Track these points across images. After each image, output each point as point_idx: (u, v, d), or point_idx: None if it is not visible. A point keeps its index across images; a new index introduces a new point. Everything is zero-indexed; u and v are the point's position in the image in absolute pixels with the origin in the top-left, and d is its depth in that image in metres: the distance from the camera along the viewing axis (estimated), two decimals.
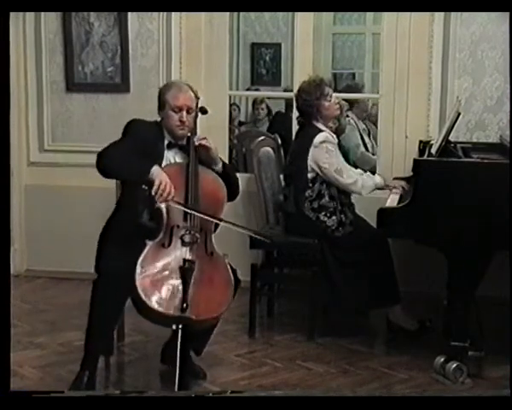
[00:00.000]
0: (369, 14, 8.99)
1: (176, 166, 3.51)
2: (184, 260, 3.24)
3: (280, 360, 3.89)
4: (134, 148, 3.43)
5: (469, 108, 4.79)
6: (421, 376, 3.68)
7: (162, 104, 3.58)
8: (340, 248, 4.17)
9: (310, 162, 4.19)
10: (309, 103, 4.24)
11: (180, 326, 3.13)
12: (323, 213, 4.20)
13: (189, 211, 3.33)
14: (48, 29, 5.22)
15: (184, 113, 3.52)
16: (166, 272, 3.24)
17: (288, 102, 7.16)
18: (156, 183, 3.26)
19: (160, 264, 3.25)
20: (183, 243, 3.31)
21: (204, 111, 3.67)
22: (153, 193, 3.25)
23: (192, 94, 3.58)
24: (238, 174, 5.70)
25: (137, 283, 3.17)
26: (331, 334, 4.20)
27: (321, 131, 4.22)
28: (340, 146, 5.55)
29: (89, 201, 5.02)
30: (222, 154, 4.59)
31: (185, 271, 3.20)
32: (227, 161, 5.23)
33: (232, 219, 5.15)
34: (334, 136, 4.34)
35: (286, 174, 4.53)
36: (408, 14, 4.79)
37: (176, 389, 3.15)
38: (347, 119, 6.27)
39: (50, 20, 5.21)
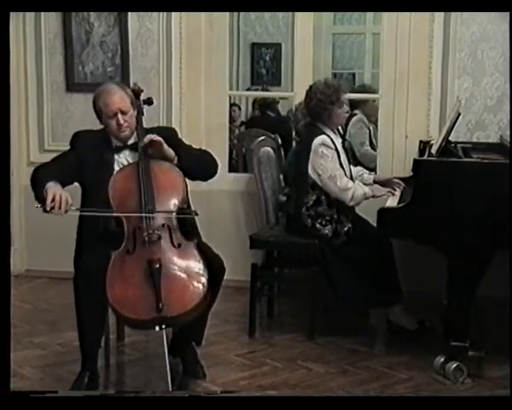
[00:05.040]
0: (369, 14, 9.00)
1: (126, 169, 3.49)
2: (149, 261, 3.20)
3: (280, 360, 3.89)
4: (75, 160, 3.49)
5: (469, 108, 4.79)
6: (421, 376, 3.68)
7: (99, 114, 3.56)
8: (340, 249, 4.16)
9: (309, 167, 4.15)
10: (323, 106, 4.16)
11: (163, 327, 3.12)
12: (319, 221, 4.16)
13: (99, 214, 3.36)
14: (48, 29, 5.22)
15: (119, 115, 3.48)
16: (136, 278, 3.20)
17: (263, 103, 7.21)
18: (49, 197, 3.22)
19: (128, 271, 3.22)
20: (147, 244, 3.26)
21: (150, 102, 3.69)
22: (47, 209, 3.22)
23: (123, 93, 3.53)
24: (238, 174, 5.74)
25: (109, 296, 3.16)
26: (331, 334, 4.19)
27: (322, 133, 4.17)
28: (344, 143, 5.55)
29: None
30: (222, 154, 4.60)
31: (153, 271, 3.17)
32: (227, 161, 5.27)
33: (232, 218, 5.20)
34: (336, 138, 4.24)
35: (288, 175, 4.52)
36: (408, 14, 4.79)
37: (170, 388, 3.15)
38: (357, 116, 6.25)
39: (50, 20, 5.21)
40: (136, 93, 3.62)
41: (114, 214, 3.38)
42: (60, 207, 3.22)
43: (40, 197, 3.28)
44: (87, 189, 3.53)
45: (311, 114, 4.25)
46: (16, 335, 3.87)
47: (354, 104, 5.92)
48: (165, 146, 3.48)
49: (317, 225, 4.16)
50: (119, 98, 3.50)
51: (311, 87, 4.28)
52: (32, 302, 4.78)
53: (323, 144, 4.13)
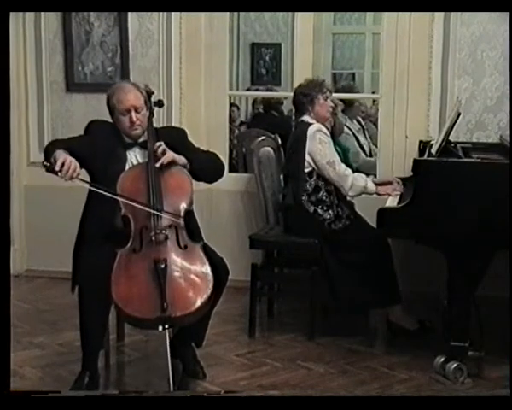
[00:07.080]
0: (369, 14, 9.01)
1: (136, 170, 3.49)
2: (156, 260, 3.19)
3: (280, 360, 3.89)
4: (85, 145, 3.46)
5: (469, 108, 4.79)
6: (421, 376, 3.68)
7: (111, 110, 3.57)
8: (340, 249, 4.17)
9: (306, 155, 4.20)
10: (305, 93, 4.28)
11: (167, 326, 3.11)
12: (321, 207, 4.21)
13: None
14: (48, 29, 5.22)
15: (133, 113, 3.49)
16: (141, 277, 3.19)
17: (266, 103, 7.23)
18: (60, 161, 3.21)
19: (133, 270, 3.22)
20: (154, 243, 3.26)
21: (160, 104, 3.71)
22: (57, 168, 3.20)
23: (137, 92, 3.55)
24: (238, 174, 5.74)
25: (114, 294, 3.15)
26: (331, 334, 4.19)
27: (312, 124, 4.24)
28: (340, 147, 5.56)
29: None
30: (222, 154, 4.58)
31: (158, 271, 3.16)
32: (227, 162, 5.27)
33: (232, 218, 5.20)
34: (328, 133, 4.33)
35: (284, 172, 4.55)
36: (408, 14, 4.79)
37: (171, 388, 3.15)
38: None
39: (50, 20, 5.21)
40: (148, 94, 3.62)
41: (121, 199, 3.36)
42: (67, 172, 3.20)
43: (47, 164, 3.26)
44: (95, 178, 3.50)
45: (296, 107, 4.37)
46: (16, 335, 3.87)
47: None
48: (177, 158, 3.47)
49: (319, 211, 4.20)
50: (133, 96, 3.52)
51: (299, 85, 4.41)
52: (31, 302, 4.78)
53: (320, 131, 4.22)
